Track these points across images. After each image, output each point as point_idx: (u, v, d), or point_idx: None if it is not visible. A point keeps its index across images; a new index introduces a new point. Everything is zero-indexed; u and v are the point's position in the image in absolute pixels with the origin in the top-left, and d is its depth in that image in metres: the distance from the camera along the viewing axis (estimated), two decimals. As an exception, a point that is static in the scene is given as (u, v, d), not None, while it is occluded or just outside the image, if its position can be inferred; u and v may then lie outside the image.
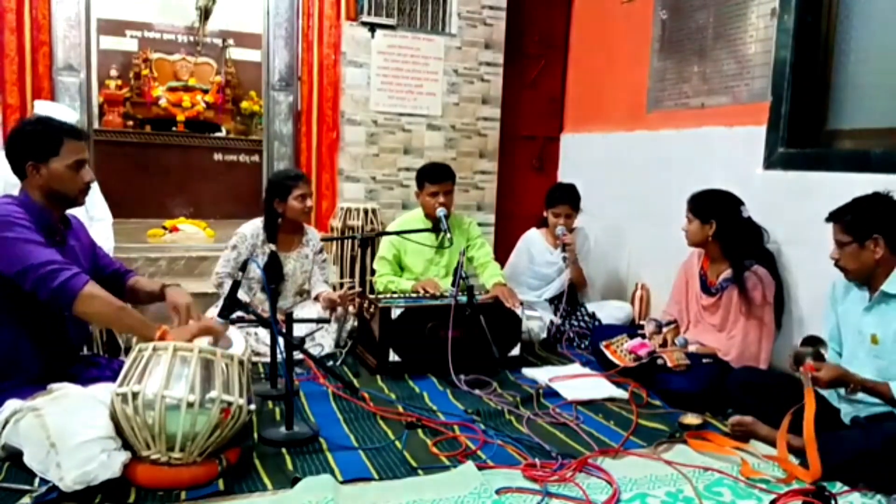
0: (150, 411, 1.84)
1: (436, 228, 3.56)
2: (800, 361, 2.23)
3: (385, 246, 3.68)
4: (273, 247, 3.33)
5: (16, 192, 2.25)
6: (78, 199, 2.27)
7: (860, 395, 2.21)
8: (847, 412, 2.33)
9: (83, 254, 2.36)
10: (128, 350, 3.05)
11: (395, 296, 3.28)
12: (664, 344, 3.08)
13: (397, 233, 3.62)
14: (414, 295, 3.33)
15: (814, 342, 2.34)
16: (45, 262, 2.03)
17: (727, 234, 2.98)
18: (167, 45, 7.48)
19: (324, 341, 3.30)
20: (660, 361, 2.90)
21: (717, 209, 3.00)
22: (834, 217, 2.34)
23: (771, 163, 3.24)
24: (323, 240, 3.67)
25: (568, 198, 3.83)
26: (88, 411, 1.88)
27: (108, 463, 1.80)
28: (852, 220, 2.28)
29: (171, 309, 2.29)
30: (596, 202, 4.30)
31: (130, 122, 7.16)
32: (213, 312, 2.64)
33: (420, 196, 3.63)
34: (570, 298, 3.87)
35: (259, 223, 3.36)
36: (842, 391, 2.30)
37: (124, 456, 1.86)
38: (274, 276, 3.29)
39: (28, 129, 2.20)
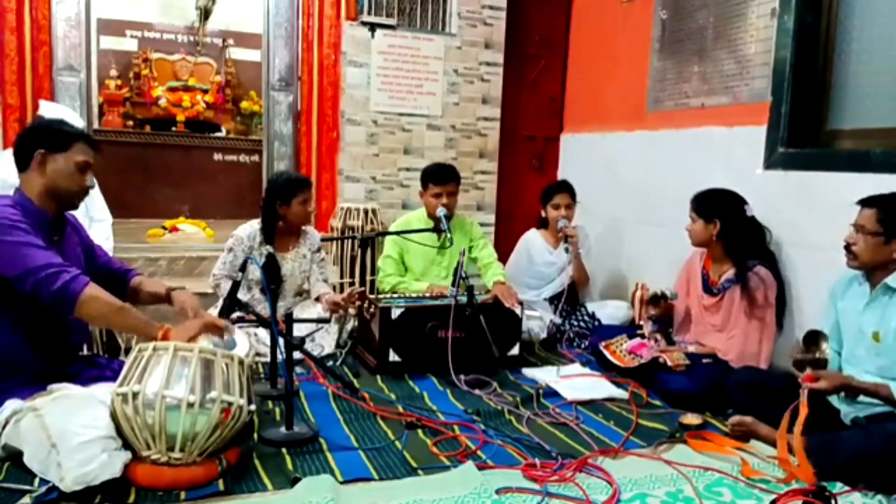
0: (150, 411, 1.84)
1: (437, 228, 3.56)
2: (799, 369, 2.22)
3: (390, 245, 3.68)
4: (270, 249, 3.32)
5: (11, 193, 2.25)
6: (75, 201, 2.28)
7: (861, 397, 2.21)
8: (847, 412, 2.33)
9: (81, 254, 2.36)
10: (128, 350, 3.05)
11: (396, 296, 3.28)
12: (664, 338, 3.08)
13: (397, 233, 3.61)
14: (415, 295, 3.33)
15: (814, 338, 2.33)
16: (44, 265, 2.02)
17: (730, 233, 2.98)
18: (167, 45, 7.48)
19: (324, 341, 3.29)
20: (661, 360, 2.90)
21: (721, 208, 3.00)
22: (870, 202, 2.26)
23: (771, 163, 3.24)
24: (323, 240, 3.66)
25: (565, 187, 3.84)
26: (89, 411, 1.88)
27: (108, 463, 1.80)
28: (889, 215, 2.22)
29: (180, 310, 2.31)
30: (596, 202, 4.30)
31: (130, 122, 7.17)
32: (212, 313, 2.64)
33: (423, 196, 3.62)
34: (570, 298, 3.87)
35: (256, 225, 3.33)
36: (842, 393, 2.29)
37: (125, 456, 1.86)
38: (271, 278, 3.27)
39: (47, 122, 2.37)
